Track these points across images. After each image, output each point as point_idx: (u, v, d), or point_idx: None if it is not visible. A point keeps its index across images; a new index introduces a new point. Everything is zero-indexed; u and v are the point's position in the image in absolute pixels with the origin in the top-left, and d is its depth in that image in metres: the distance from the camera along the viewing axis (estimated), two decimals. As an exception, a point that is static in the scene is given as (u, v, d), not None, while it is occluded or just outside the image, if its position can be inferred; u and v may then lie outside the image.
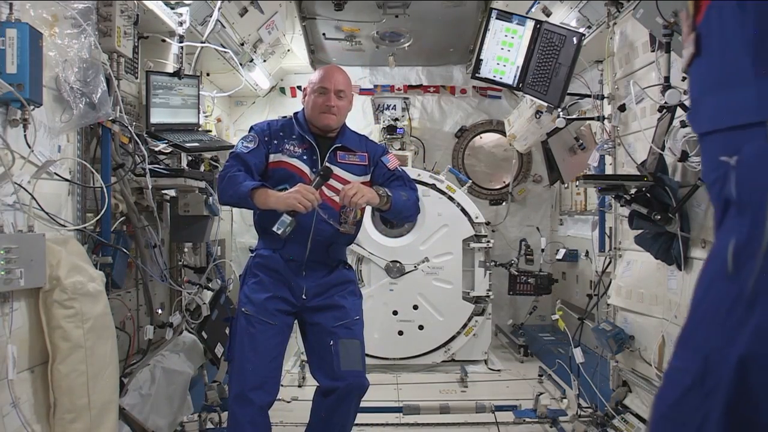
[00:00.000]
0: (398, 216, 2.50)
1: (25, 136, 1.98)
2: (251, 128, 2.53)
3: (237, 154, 2.43)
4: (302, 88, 2.57)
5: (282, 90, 5.67)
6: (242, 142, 2.46)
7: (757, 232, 0.89)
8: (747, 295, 0.90)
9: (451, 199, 4.37)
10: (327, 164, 2.41)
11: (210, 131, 3.77)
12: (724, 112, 0.99)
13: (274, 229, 2.23)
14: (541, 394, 3.52)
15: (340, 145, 2.50)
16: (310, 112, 2.47)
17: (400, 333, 4.35)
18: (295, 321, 2.56)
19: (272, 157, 2.46)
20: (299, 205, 2.20)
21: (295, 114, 2.56)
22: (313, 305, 2.47)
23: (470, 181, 5.01)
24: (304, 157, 2.45)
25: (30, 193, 2.02)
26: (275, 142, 2.46)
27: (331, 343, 2.41)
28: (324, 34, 4.87)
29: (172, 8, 3.16)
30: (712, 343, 0.96)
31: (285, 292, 2.44)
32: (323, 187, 2.38)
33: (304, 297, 2.45)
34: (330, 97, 2.43)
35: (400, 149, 5.37)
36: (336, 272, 2.53)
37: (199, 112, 3.47)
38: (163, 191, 3.17)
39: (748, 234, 0.91)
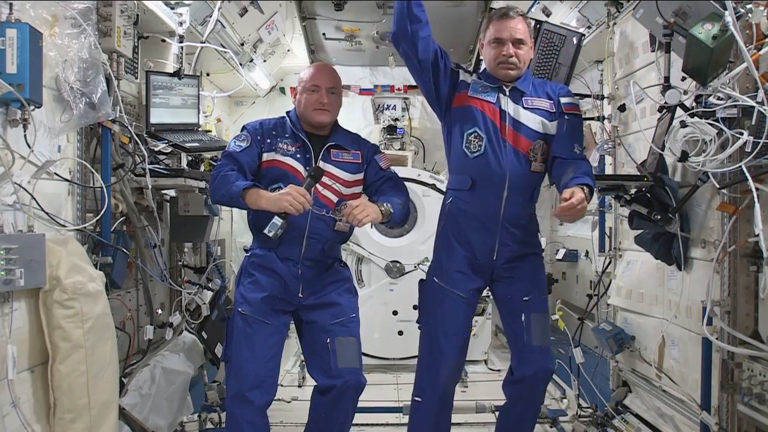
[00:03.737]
0: (394, 223, 2.52)
1: (25, 136, 1.98)
2: (243, 127, 2.52)
3: (229, 153, 2.42)
4: (294, 87, 2.56)
5: (282, 90, 5.67)
6: (234, 141, 2.45)
7: None
8: None
9: (451, 199, 4.36)
10: (318, 165, 2.41)
11: (210, 131, 3.77)
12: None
13: (265, 231, 2.21)
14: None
15: (333, 143, 2.50)
16: (303, 110, 2.47)
17: (400, 333, 4.35)
18: (292, 320, 2.57)
19: (265, 156, 2.45)
20: (290, 207, 2.18)
21: (288, 113, 2.56)
22: (309, 303, 2.47)
23: (470, 181, 5.00)
24: (298, 156, 2.44)
25: (30, 193, 2.02)
26: (268, 140, 2.46)
27: (328, 340, 2.42)
28: (324, 34, 4.86)
29: (172, 8, 3.16)
30: None
31: (281, 290, 2.44)
32: (318, 185, 2.38)
33: (300, 295, 2.45)
34: (322, 94, 2.42)
35: (400, 149, 5.37)
36: (331, 270, 2.53)
37: (199, 112, 3.47)
38: (163, 191, 3.17)
39: None
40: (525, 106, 2.45)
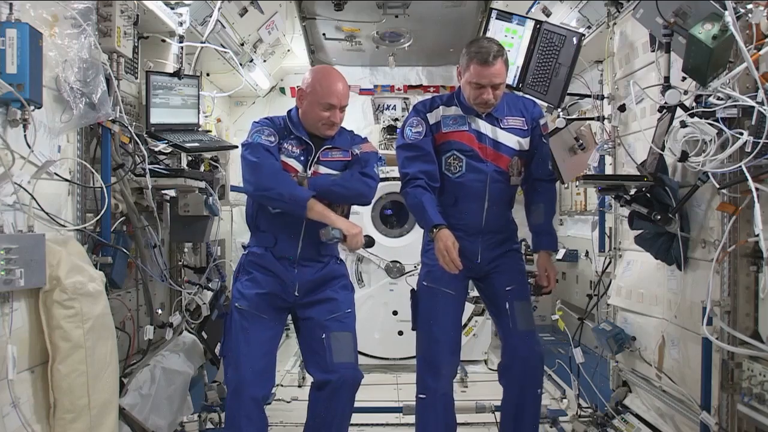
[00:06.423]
0: (338, 202, 2.53)
1: (25, 136, 1.98)
2: (262, 122, 2.51)
3: (266, 147, 2.41)
4: (299, 88, 2.54)
5: (282, 90, 5.66)
6: (260, 136, 2.44)
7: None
8: None
9: (451, 199, 4.36)
10: (370, 235, 2.54)
11: (210, 131, 3.77)
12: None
13: (322, 231, 2.33)
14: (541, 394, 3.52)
15: (331, 146, 2.53)
16: (311, 122, 2.47)
17: (400, 333, 4.35)
18: (289, 318, 2.60)
19: None
20: (357, 243, 2.36)
21: (289, 112, 2.56)
22: (306, 301, 2.50)
23: (470, 181, 5.00)
24: (301, 158, 2.48)
25: (30, 193, 2.02)
26: (280, 140, 2.48)
27: (323, 336, 2.44)
28: (324, 34, 4.86)
29: (172, 8, 3.16)
30: None
31: (278, 289, 2.47)
32: None
33: (296, 294, 2.47)
34: (336, 112, 2.44)
35: (400, 149, 5.34)
36: (328, 267, 2.55)
37: (199, 112, 3.46)
38: (163, 191, 3.16)
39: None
40: (502, 126, 2.65)
